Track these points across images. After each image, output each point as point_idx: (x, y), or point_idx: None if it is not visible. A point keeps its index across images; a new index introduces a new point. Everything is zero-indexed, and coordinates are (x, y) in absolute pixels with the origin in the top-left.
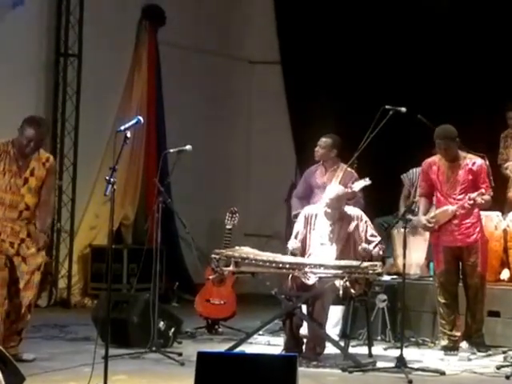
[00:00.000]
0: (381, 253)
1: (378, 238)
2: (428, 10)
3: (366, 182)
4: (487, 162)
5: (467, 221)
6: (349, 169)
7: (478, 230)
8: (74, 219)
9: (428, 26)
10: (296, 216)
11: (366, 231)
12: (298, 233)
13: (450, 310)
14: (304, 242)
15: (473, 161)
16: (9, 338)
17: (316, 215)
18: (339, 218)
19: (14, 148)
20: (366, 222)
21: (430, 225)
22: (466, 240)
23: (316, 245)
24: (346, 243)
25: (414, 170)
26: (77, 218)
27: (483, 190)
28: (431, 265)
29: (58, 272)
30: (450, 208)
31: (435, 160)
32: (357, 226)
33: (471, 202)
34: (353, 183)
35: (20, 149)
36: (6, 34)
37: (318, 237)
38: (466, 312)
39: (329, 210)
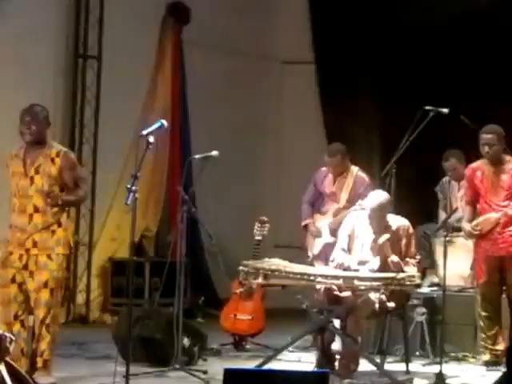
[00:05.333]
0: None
1: (418, 257)
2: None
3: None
4: None
5: (510, 228)
6: (360, 173)
7: None
8: (92, 231)
9: (468, 25)
10: (306, 226)
11: (408, 246)
12: (344, 244)
13: (492, 323)
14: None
15: None
16: (34, 359)
17: (357, 224)
18: (382, 228)
19: (23, 149)
20: (410, 235)
21: (476, 232)
22: (509, 249)
23: (356, 256)
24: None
25: (444, 179)
26: (96, 229)
27: None
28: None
29: (76, 287)
30: (494, 215)
31: (479, 165)
32: (400, 238)
33: None
34: (365, 190)
35: (26, 144)
36: (21, 34)
37: (359, 247)
38: (510, 325)
39: (371, 219)
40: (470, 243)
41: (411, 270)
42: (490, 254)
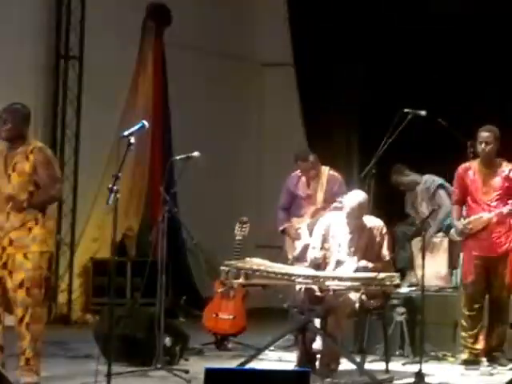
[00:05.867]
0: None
1: (388, 258)
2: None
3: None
4: None
5: (499, 229)
6: (331, 172)
7: (510, 239)
8: (74, 231)
9: (445, 28)
10: (283, 231)
11: (381, 247)
12: (317, 243)
13: (475, 322)
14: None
15: (509, 168)
16: (19, 358)
17: (333, 224)
18: (359, 228)
19: (6, 148)
20: (384, 236)
21: (467, 230)
22: (496, 250)
23: (334, 256)
24: (365, 254)
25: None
26: (78, 229)
27: None
28: (454, 274)
29: (58, 286)
30: (486, 215)
31: (471, 165)
32: (374, 238)
33: (510, 210)
34: (339, 187)
35: (4, 142)
36: (4, 34)
37: (336, 247)
38: (488, 325)
39: (349, 219)
40: (446, 243)
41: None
42: (478, 254)
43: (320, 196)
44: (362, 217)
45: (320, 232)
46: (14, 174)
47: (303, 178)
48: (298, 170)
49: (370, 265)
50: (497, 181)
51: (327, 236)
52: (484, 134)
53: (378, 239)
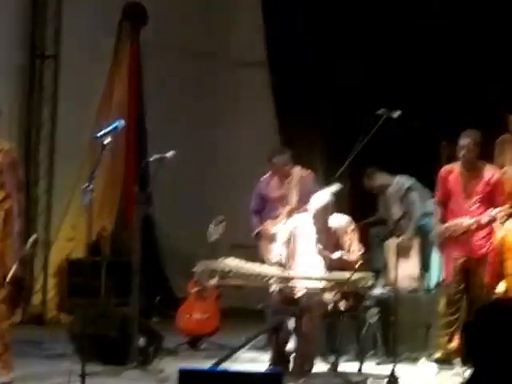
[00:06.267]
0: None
1: (361, 252)
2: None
3: (336, 187)
4: None
5: (479, 233)
6: (303, 170)
7: (490, 242)
8: (49, 231)
9: (420, 26)
10: (257, 235)
11: (351, 242)
12: (283, 243)
13: (452, 322)
14: (291, 253)
15: (491, 172)
16: None
17: (300, 225)
18: (325, 228)
19: None
20: (352, 231)
21: (446, 234)
22: (476, 251)
23: (302, 256)
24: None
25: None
26: (53, 229)
27: (503, 207)
28: (427, 276)
29: (33, 287)
30: (466, 221)
31: (454, 167)
32: (342, 236)
33: (490, 218)
34: (312, 186)
35: None
36: None
37: (304, 248)
38: (463, 325)
39: (315, 220)
40: (417, 245)
41: (351, 257)
42: (458, 256)
43: (293, 195)
44: (328, 217)
45: (287, 231)
46: None
47: (275, 179)
48: (269, 173)
49: (346, 255)
50: (478, 185)
51: (295, 236)
52: (465, 140)
53: (346, 236)
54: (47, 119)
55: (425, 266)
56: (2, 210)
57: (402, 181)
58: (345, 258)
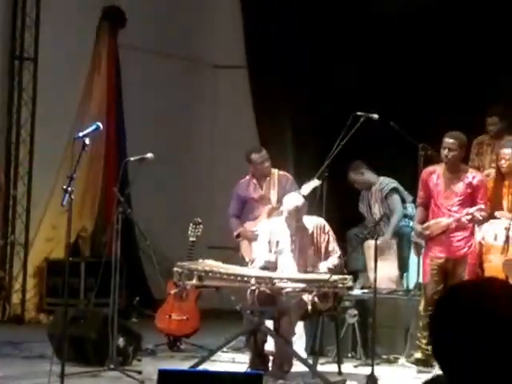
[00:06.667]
0: (340, 264)
1: (338, 253)
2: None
3: (316, 183)
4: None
5: (459, 233)
6: (281, 172)
7: (469, 243)
8: (28, 231)
9: (416, 29)
10: (239, 236)
11: (328, 243)
12: (266, 247)
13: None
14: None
15: (473, 175)
16: None
17: (274, 228)
18: (300, 229)
19: None
20: (327, 232)
21: (425, 234)
22: (455, 253)
23: (278, 257)
24: (308, 254)
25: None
26: (32, 229)
27: (482, 206)
28: (405, 277)
29: (12, 287)
30: (445, 221)
31: (436, 169)
32: (317, 237)
33: (469, 217)
34: (290, 186)
35: None
36: None
37: (280, 249)
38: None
39: (288, 222)
40: (395, 247)
41: (335, 261)
42: (436, 256)
43: (273, 195)
44: (301, 219)
45: (265, 236)
46: None
47: (254, 181)
48: (247, 176)
49: (331, 265)
50: (459, 186)
51: (271, 240)
52: (448, 141)
53: (321, 237)
54: (26, 120)
55: (403, 267)
56: None
57: (386, 181)
58: (330, 267)
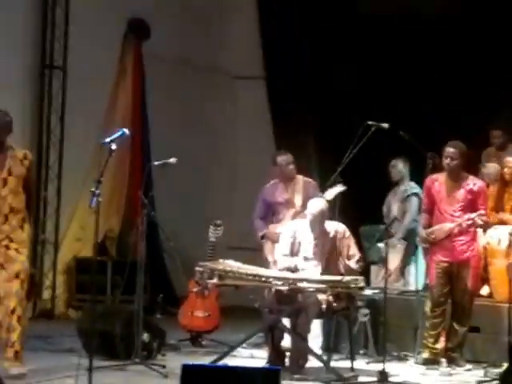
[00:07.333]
0: (359, 269)
1: (358, 255)
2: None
3: (340, 188)
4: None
5: (462, 238)
6: (305, 178)
7: (472, 248)
8: (58, 230)
9: (412, 42)
10: (263, 237)
11: (349, 247)
12: (287, 250)
13: (437, 323)
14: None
15: (474, 181)
16: (5, 350)
17: (298, 231)
18: (322, 233)
19: None
20: (348, 237)
21: (430, 239)
22: (458, 257)
23: (301, 259)
24: (330, 258)
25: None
26: (62, 229)
27: (482, 212)
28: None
29: (43, 283)
30: (448, 225)
31: (438, 177)
32: (340, 242)
33: (470, 222)
34: (314, 192)
35: None
36: None
37: (302, 252)
38: (448, 327)
39: (312, 226)
40: (402, 248)
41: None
42: (442, 260)
43: (298, 199)
44: (324, 223)
45: (288, 239)
46: (11, 177)
47: (280, 185)
48: (273, 181)
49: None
50: (460, 193)
51: (295, 242)
52: (450, 150)
53: (343, 242)
54: (56, 125)
55: (412, 268)
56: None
57: (411, 184)
58: (352, 266)
